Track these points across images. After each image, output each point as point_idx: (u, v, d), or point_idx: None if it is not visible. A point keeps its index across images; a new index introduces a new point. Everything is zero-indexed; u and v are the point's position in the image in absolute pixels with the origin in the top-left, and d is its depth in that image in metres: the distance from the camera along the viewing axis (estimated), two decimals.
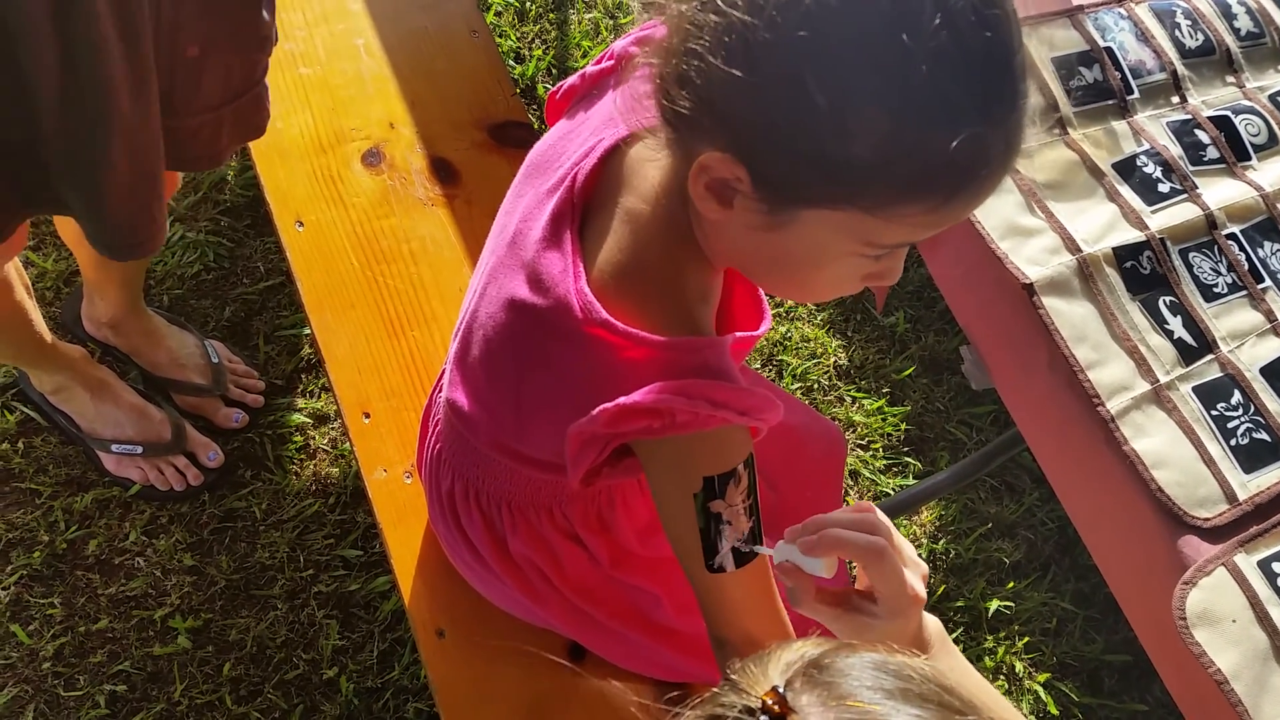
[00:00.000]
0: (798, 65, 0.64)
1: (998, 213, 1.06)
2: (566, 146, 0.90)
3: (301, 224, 1.38)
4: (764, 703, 0.51)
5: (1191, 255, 1.08)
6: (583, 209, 0.85)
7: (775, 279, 0.82)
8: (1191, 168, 1.13)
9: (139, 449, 1.57)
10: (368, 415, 1.27)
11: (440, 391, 1.06)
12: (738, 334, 0.85)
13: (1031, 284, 1.01)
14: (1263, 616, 0.92)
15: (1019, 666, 1.67)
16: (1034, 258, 1.04)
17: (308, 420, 1.69)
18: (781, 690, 0.52)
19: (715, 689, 0.56)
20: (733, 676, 0.55)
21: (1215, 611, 0.92)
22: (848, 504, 1.76)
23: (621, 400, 0.75)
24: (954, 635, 1.67)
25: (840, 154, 0.65)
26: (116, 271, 1.52)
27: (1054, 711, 1.64)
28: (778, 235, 0.73)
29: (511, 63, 2.09)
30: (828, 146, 0.65)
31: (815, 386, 1.88)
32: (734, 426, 0.77)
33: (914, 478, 1.81)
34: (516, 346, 0.87)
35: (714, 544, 0.79)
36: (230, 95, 1.15)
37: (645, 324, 0.78)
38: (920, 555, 1.72)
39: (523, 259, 0.87)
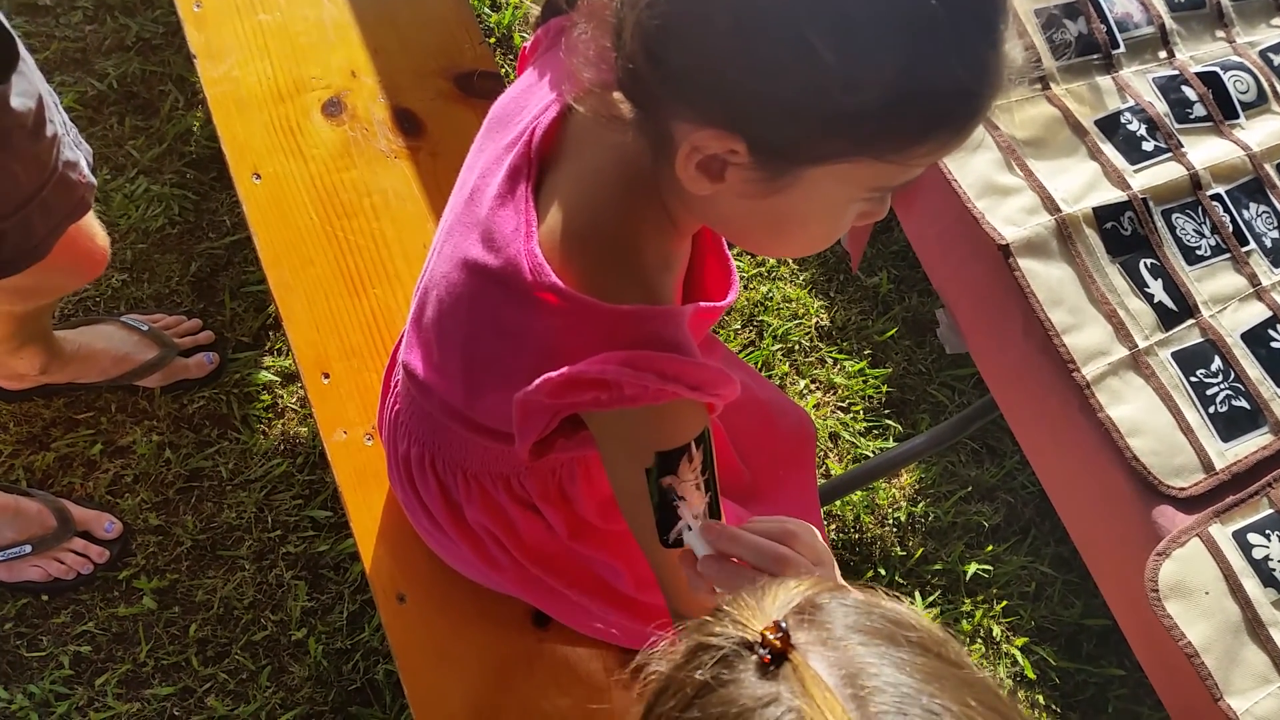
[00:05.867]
0: (800, 28, 0.60)
1: (975, 170, 1.02)
2: (528, 100, 0.87)
3: (259, 176, 1.34)
4: (764, 636, 0.48)
5: (1174, 216, 1.04)
6: (541, 166, 0.81)
7: (766, 240, 0.78)
8: (1177, 125, 1.09)
9: (27, 548, 1.45)
10: (327, 376, 1.24)
11: (400, 352, 1.02)
12: (700, 304, 0.82)
13: (1008, 245, 0.98)
14: (1236, 588, 0.90)
15: (997, 630, 1.65)
16: (1011, 217, 1.00)
17: (275, 379, 1.65)
18: (784, 625, 0.48)
19: (704, 618, 0.53)
20: (726, 608, 0.52)
21: (1188, 583, 0.90)
22: (830, 474, 1.74)
23: (566, 369, 0.72)
24: (931, 598, 1.66)
25: (854, 107, 0.62)
26: (30, 324, 1.40)
27: (1031, 675, 1.63)
28: (776, 199, 0.70)
29: (487, 10, 2.03)
30: (841, 103, 0.62)
31: (796, 348, 1.85)
32: (686, 401, 0.74)
33: (895, 440, 1.79)
34: (467, 308, 0.84)
35: (668, 519, 0.77)
36: (28, 193, 1.05)
37: (598, 290, 0.74)
38: (900, 518, 1.72)
39: (478, 216, 0.83)
